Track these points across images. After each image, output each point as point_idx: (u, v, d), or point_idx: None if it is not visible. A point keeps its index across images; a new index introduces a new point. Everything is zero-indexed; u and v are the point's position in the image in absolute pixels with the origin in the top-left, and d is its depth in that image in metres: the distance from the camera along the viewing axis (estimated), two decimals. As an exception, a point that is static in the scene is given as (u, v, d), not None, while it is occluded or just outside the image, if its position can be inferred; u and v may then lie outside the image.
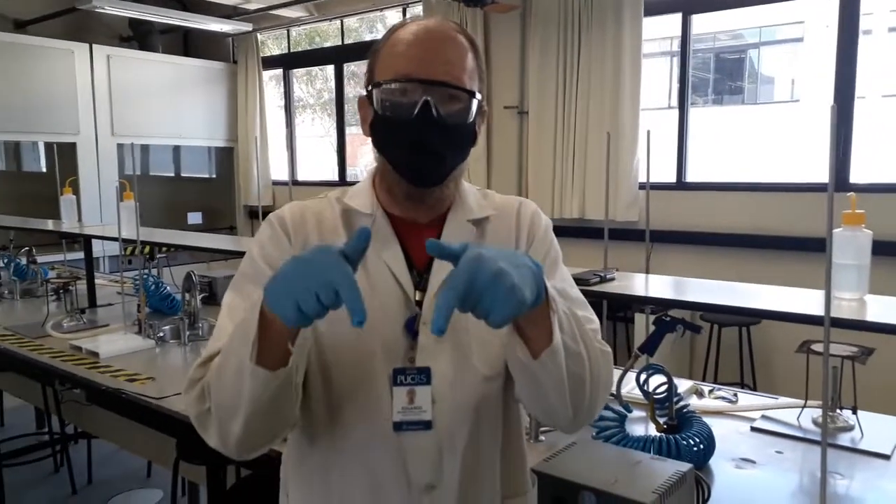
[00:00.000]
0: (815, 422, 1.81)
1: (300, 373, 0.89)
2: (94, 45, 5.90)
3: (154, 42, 6.62)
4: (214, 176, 7.36)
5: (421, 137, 0.94)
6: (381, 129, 0.99)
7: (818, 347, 1.77)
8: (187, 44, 7.37)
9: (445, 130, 0.95)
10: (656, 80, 5.11)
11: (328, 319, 0.94)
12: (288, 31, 6.87)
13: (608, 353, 0.97)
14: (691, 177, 4.63)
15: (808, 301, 1.72)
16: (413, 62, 0.95)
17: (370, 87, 0.99)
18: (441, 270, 1.00)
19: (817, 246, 3.74)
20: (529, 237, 1.07)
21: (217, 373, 0.89)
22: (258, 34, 6.72)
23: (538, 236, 1.07)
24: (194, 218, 6.93)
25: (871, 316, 1.48)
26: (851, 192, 1.63)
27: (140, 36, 6.59)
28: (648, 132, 2.06)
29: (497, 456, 1.03)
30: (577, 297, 1.05)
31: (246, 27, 6.38)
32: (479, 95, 0.99)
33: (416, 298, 0.99)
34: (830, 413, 1.75)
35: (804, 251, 3.92)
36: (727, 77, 6.19)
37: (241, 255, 3.07)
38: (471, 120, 0.98)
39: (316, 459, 1.00)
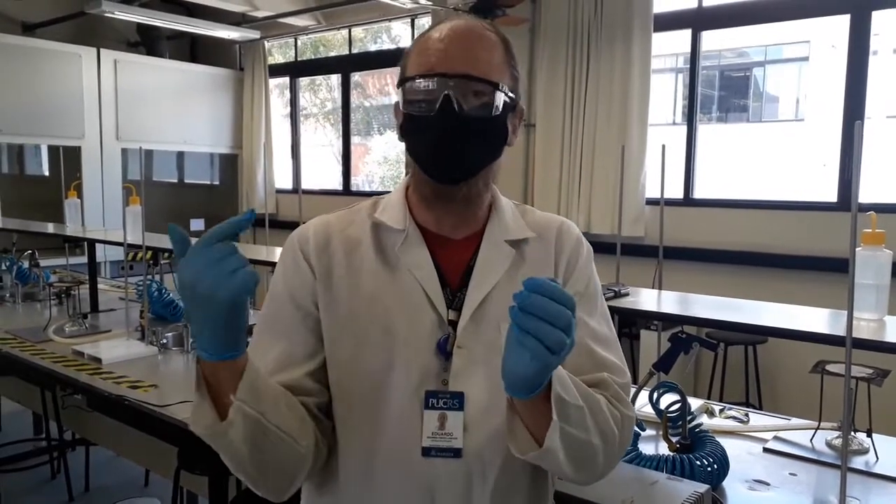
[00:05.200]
0: (829, 444, 1.78)
1: (277, 418, 0.85)
2: (102, 50, 5.90)
3: (161, 48, 6.64)
4: (217, 183, 7.35)
5: (442, 132, 0.92)
6: (408, 128, 0.97)
7: (833, 368, 1.74)
8: (194, 50, 7.37)
9: (468, 125, 0.93)
10: (661, 96, 5.11)
11: (358, 342, 0.91)
12: (295, 39, 6.88)
13: (631, 419, 0.94)
14: (697, 193, 4.62)
15: (819, 320, 1.69)
16: (436, 57, 0.93)
17: (399, 88, 0.98)
18: (476, 290, 0.96)
19: (824, 264, 3.78)
20: (569, 266, 1.02)
21: None
22: (265, 42, 6.73)
23: (579, 266, 1.03)
24: (197, 224, 6.90)
25: (893, 337, 1.45)
26: (871, 211, 1.61)
27: (148, 41, 6.61)
28: (664, 146, 2.04)
29: (527, 484, 0.99)
30: (609, 337, 1.01)
31: (254, 34, 6.39)
32: (505, 88, 0.96)
33: (450, 318, 0.95)
34: (846, 435, 1.73)
35: (811, 270, 3.89)
36: (732, 94, 6.20)
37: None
38: (496, 114, 0.95)
39: (340, 483, 0.96)
